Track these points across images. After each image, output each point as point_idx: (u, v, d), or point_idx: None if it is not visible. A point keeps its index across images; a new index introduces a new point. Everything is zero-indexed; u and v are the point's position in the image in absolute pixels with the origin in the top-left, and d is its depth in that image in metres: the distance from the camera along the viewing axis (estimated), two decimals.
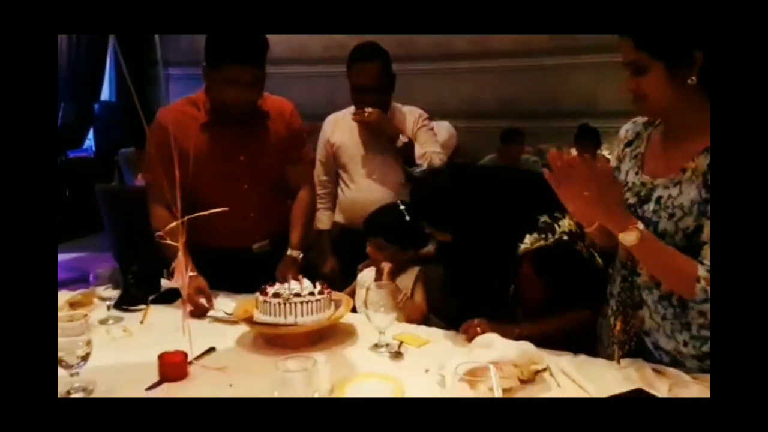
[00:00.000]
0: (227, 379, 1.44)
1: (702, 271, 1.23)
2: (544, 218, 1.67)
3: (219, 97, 1.94)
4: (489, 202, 1.72)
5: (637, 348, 1.41)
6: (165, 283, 2.11)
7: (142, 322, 1.83)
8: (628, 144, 1.50)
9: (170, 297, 2.04)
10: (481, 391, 1.27)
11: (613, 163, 1.54)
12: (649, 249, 1.29)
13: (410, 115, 2.54)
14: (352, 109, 2.53)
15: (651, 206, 1.34)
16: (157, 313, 1.91)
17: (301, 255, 2.00)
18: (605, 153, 4.90)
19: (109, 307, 1.82)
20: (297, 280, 1.68)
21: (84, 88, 6.82)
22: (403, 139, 2.41)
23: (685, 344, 1.35)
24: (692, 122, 1.30)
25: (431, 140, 2.54)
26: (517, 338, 1.49)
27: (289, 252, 2.00)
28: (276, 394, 1.17)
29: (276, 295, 1.60)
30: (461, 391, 1.30)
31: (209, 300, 1.87)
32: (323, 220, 2.60)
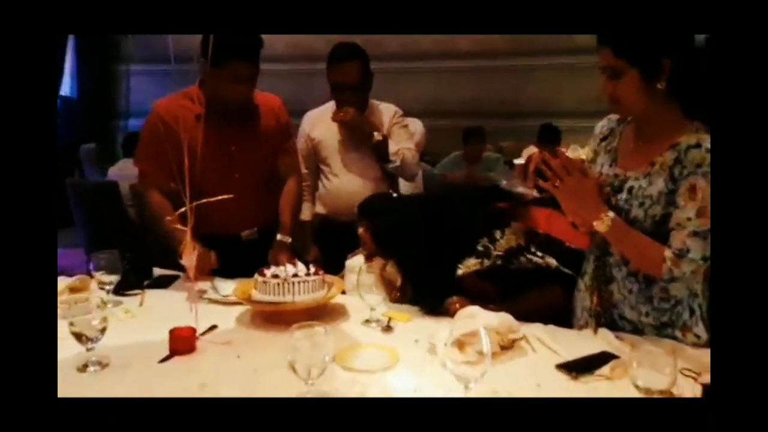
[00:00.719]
0: (233, 352, 1.56)
1: (668, 253, 1.43)
2: (483, 242, 1.84)
3: (218, 92, 2.05)
4: (427, 228, 1.88)
5: (604, 319, 1.61)
6: (156, 271, 2.22)
7: (141, 305, 1.93)
8: (603, 139, 1.68)
9: (164, 282, 2.14)
10: (469, 354, 1.44)
11: (590, 156, 1.73)
12: (620, 234, 1.49)
13: (386, 111, 2.69)
14: (330, 104, 2.67)
15: (623, 195, 1.53)
16: (152, 297, 2.01)
17: (290, 239, 2.13)
18: (568, 152, 5.13)
19: (108, 292, 1.91)
20: (292, 263, 1.81)
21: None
22: (377, 136, 2.55)
23: (647, 314, 1.55)
24: (661, 122, 1.49)
25: (405, 137, 2.69)
26: (492, 309, 1.65)
27: (279, 237, 2.14)
28: (289, 358, 1.31)
29: (275, 276, 1.72)
30: (451, 355, 1.46)
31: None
32: (304, 212, 2.71)
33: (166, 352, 1.56)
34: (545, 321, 1.70)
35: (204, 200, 1.61)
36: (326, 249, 2.60)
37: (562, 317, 1.76)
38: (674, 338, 1.52)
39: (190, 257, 1.61)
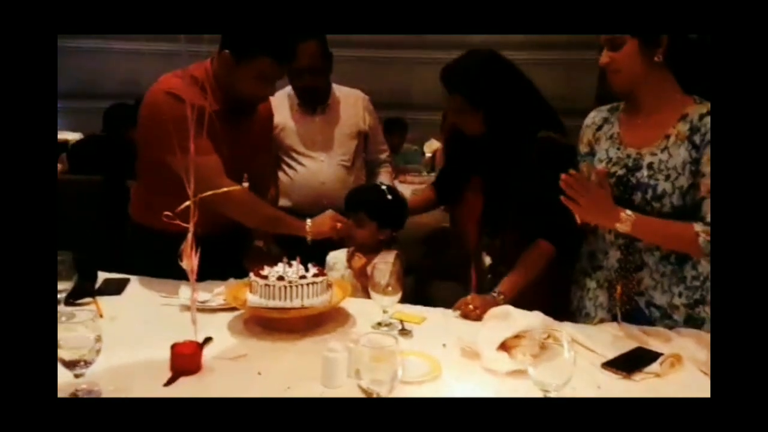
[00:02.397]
0: (247, 368, 1.37)
1: (699, 227, 1.44)
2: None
3: (236, 86, 1.82)
4: (522, 87, 1.83)
5: (626, 309, 1.62)
6: (101, 274, 1.91)
7: (101, 317, 1.63)
8: (599, 128, 1.69)
9: (116, 287, 1.85)
10: (518, 359, 1.37)
11: (584, 149, 1.72)
12: (644, 227, 1.49)
13: (356, 99, 2.56)
14: (287, 90, 2.46)
15: (644, 172, 1.54)
16: (108, 305, 1.72)
17: (265, 244, 1.97)
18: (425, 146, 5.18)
19: (59, 302, 1.60)
20: (289, 264, 1.62)
21: None
22: None
23: (680, 295, 1.57)
24: (662, 96, 1.54)
25: (382, 140, 2.67)
26: (501, 302, 1.66)
27: (255, 242, 1.95)
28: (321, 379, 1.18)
29: (280, 278, 1.53)
30: (500, 360, 1.39)
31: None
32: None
33: (165, 373, 1.33)
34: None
35: (210, 192, 1.38)
36: (292, 243, 2.41)
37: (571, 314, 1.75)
38: (704, 317, 1.56)
39: (191, 260, 1.38)
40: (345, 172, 2.48)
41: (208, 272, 1.82)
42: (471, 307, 1.69)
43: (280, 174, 2.52)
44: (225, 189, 1.55)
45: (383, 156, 2.68)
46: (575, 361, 1.17)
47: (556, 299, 1.79)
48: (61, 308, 1.60)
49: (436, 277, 2.27)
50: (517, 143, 1.79)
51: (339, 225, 1.91)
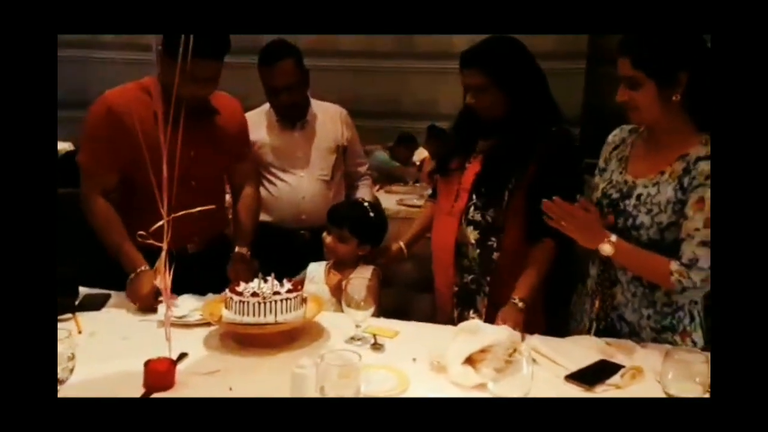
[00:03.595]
0: (220, 384, 1.40)
1: (675, 266, 1.49)
2: None
3: (179, 91, 1.82)
4: (542, 77, 1.86)
5: (604, 322, 1.67)
6: (83, 289, 1.94)
7: (80, 332, 1.67)
8: (615, 148, 1.73)
9: (96, 303, 1.88)
10: (483, 373, 1.41)
11: (601, 164, 1.76)
12: (625, 254, 1.55)
13: (334, 113, 2.60)
14: (266, 107, 2.51)
15: (632, 201, 1.58)
16: (88, 321, 1.75)
17: (248, 252, 1.96)
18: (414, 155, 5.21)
19: None
20: (264, 279, 1.66)
21: None
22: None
23: (648, 318, 1.62)
24: (672, 132, 1.55)
25: (362, 154, 2.71)
26: (521, 309, 1.71)
27: (237, 249, 1.95)
28: (290, 394, 1.21)
29: (254, 294, 1.57)
30: (466, 374, 1.42)
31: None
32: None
33: (139, 389, 1.36)
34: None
35: (182, 212, 1.42)
36: (274, 258, 2.44)
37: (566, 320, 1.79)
38: (672, 343, 1.58)
39: (164, 278, 1.42)
40: (325, 187, 2.51)
41: (197, 287, 1.87)
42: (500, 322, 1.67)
43: (262, 189, 2.56)
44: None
45: (362, 169, 2.72)
46: (533, 375, 1.22)
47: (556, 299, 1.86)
48: None
49: (420, 290, 2.30)
50: (531, 128, 1.82)
51: (136, 300, 1.84)
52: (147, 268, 1.82)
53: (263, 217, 2.49)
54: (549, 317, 1.87)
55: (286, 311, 1.58)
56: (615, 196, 1.63)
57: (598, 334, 1.68)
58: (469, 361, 1.44)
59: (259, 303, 1.56)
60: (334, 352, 1.21)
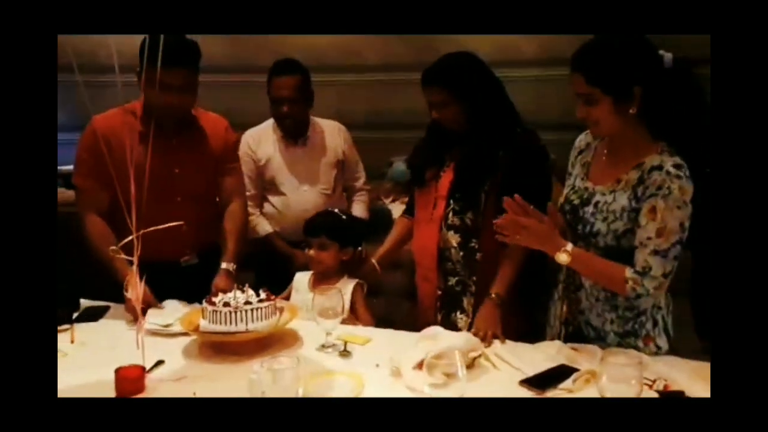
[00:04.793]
0: (186, 389, 1.48)
1: (629, 273, 1.50)
2: None
3: (152, 102, 1.95)
4: (498, 85, 1.94)
5: (572, 327, 1.68)
6: (84, 301, 2.07)
7: (72, 342, 1.78)
8: (580, 152, 1.75)
9: (93, 315, 2.00)
10: (436, 377, 1.44)
11: (569, 168, 1.79)
12: (581, 262, 1.57)
13: (333, 131, 2.73)
14: (270, 122, 2.65)
15: (590, 209, 1.60)
16: (83, 331, 1.87)
17: (234, 267, 2.05)
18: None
19: None
20: (240, 289, 1.74)
21: None
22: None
23: (612, 322, 1.63)
24: (630, 142, 1.57)
25: (360, 173, 2.81)
26: (498, 304, 1.78)
27: (224, 265, 2.02)
28: (253, 394, 1.26)
29: (226, 304, 1.65)
30: (419, 378, 1.46)
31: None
32: (265, 226, 2.68)
33: (112, 394, 1.45)
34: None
35: (152, 228, 1.51)
36: (271, 269, 2.54)
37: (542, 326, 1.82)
38: (635, 347, 1.58)
39: (136, 290, 1.51)
40: (327, 200, 2.64)
41: (190, 298, 1.97)
42: (481, 334, 1.71)
43: (267, 204, 2.70)
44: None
45: (359, 183, 2.83)
46: (492, 380, 1.31)
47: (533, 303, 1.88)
48: None
49: (408, 298, 2.35)
50: (496, 134, 1.89)
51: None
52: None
53: (275, 227, 2.63)
54: (526, 321, 1.88)
55: (257, 320, 1.66)
56: (576, 202, 1.65)
57: (567, 338, 1.69)
58: (426, 365, 1.48)
59: (231, 312, 1.64)
60: (276, 358, 1.27)
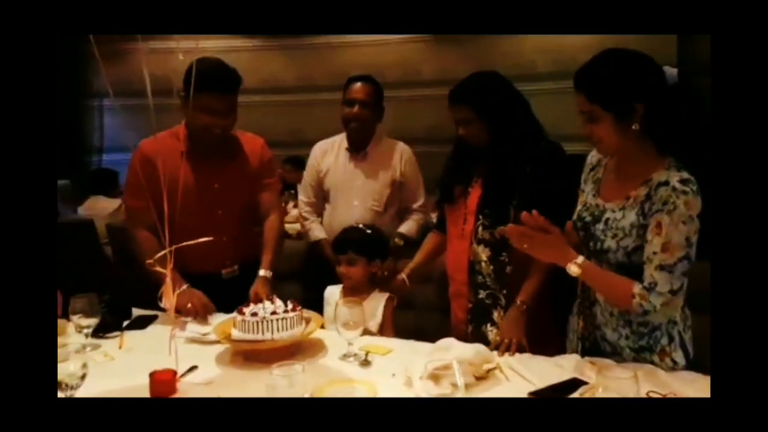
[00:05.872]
0: (214, 393, 1.59)
1: (637, 288, 1.50)
2: None
3: (194, 124, 2.13)
4: (522, 102, 2.01)
5: (588, 342, 1.69)
6: (135, 311, 2.23)
7: (120, 347, 1.94)
8: (592, 169, 1.77)
9: (143, 323, 2.16)
10: (444, 386, 1.49)
11: (582, 185, 1.81)
12: (591, 276, 1.58)
13: (398, 150, 2.84)
14: (340, 137, 2.81)
15: (600, 226, 1.61)
16: (132, 338, 2.02)
17: (271, 274, 2.18)
18: None
19: (87, 335, 1.92)
20: (270, 300, 1.84)
21: None
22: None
23: (626, 338, 1.62)
24: (637, 158, 1.57)
25: (419, 194, 2.86)
26: (523, 311, 1.82)
27: (261, 272, 2.16)
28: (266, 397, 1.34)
29: (254, 314, 1.76)
30: (427, 387, 1.51)
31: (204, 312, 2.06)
32: (319, 231, 2.83)
33: (148, 396, 1.58)
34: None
35: (184, 243, 1.64)
36: (320, 274, 2.65)
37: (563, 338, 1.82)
38: (651, 362, 1.58)
39: (170, 300, 1.64)
40: (376, 218, 2.74)
41: (232, 309, 2.10)
42: (506, 341, 1.76)
43: (324, 212, 2.87)
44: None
45: (415, 205, 2.88)
46: (502, 391, 1.37)
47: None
48: (88, 340, 1.93)
49: (439, 311, 2.39)
50: (520, 149, 1.94)
51: (189, 305, 2.05)
52: (187, 287, 2.07)
53: (322, 234, 2.77)
54: (553, 330, 1.89)
55: (283, 329, 1.75)
56: (588, 219, 1.66)
57: (585, 353, 1.69)
58: (431, 376, 1.52)
59: (258, 322, 1.75)
60: (284, 366, 1.35)
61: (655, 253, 1.47)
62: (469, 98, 1.96)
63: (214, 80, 2.08)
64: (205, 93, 2.05)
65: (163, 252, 1.63)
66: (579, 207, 1.72)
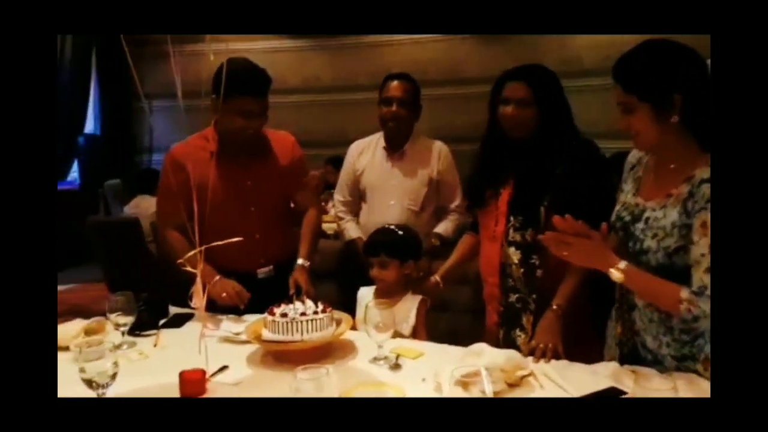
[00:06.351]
0: (243, 393, 1.58)
1: (685, 294, 1.41)
2: None
3: (227, 126, 2.15)
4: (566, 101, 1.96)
5: (627, 348, 1.62)
6: (172, 309, 2.26)
7: (155, 346, 1.96)
8: (632, 168, 1.70)
9: (179, 321, 2.18)
10: (473, 393, 1.44)
11: (622, 185, 1.73)
12: (635, 281, 1.50)
13: (435, 148, 2.80)
14: (377, 135, 2.80)
15: (640, 225, 1.54)
16: (168, 336, 2.04)
17: (308, 264, 2.20)
18: None
19: (123, 333, 1.95)
20: (302, 301, 1.83)
21: (68, 120, 6.93)
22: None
23: (668, 345, 1.54)
24: (677, 154, 1.50)
25: (458, 193, 2.78)
26: (559, 315, 1.76)
27: (300, 261, 2.19)
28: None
29: (284, 314, 1.75)
30: (456, 394, 1.47)
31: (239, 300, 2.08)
32: (351, 232, 2.82)
33: (178, 395, 1.58)
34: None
35: (214, 243, 1.64)
36: (357, 274, 2.64)
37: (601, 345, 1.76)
38: (695, 372, 1.50)
39: (200, 299, 1.65)
40: (413, 217, 2.71)
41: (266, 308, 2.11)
42: (541, 346, 1.70)
43: (360, 211, 2.85)
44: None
45: (453, 204, 2.82)
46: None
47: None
48: (124, 338, 1.96)
49: (476, 314, 2.34)
50: (555, 147, 1.89)
51: (224, 295, 2.07)
52: (219, 278, 2.11)
53: (359, 233, 2.76)
54: (591, 335, 1.82)
55: (313, 330, 1.74)
56: (627, 218, 1.59)
57: (623, 360, 1.62)
58: (460, 383, 1.48)
59: (288, 323, 1.74)
60: (309, 368, 1.33)
61: (703, 255, 1.39)
62: (530, 77, 1.92)
63: (246, 83, 2.10)
64: (238, 96, 2.07)
65: (193, 252, 1.63)
66: (618, 206, 1.64)
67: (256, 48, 6.44)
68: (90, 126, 7.44)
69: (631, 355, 1.61)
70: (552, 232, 1.52)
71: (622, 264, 1.48)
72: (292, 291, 2.06)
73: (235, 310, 2.14)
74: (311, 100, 6.62)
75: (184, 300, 2.28)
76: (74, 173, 7.33)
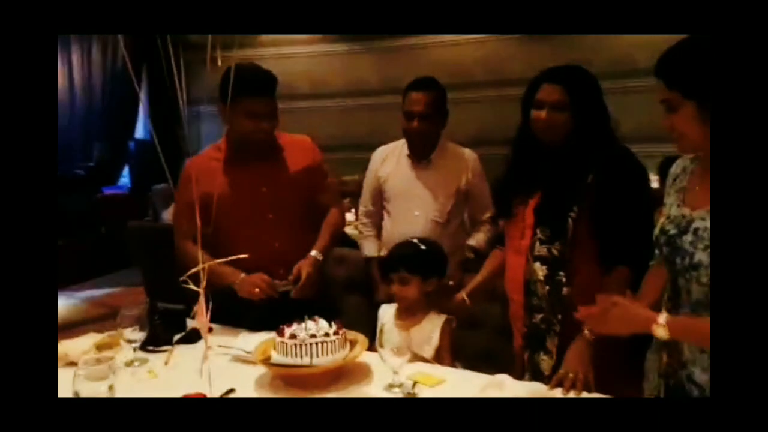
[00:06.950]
0: None
1: None
2: None
3: (237, 131, 2.09)
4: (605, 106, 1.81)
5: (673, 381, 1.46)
6: (190, 322, 2.19)
7: (166, 363, 1.88)
8: (675, 179, 1.54)
9: (195, 337, 2.10)
10: None
11: (664, 199, 1.58)
12: (682, 332, 1.36)
13: (464, 157, 2.63)
14: (402, 141, 2.63)
15: (689, 237, 1.38)
16: (181, 353, 1.96)
17: (321, 257, 2.10)
18: None
19: (135, 349, 1.89)
20: (314, 320, 1.72)
21: (118, 126, 7.07)
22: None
23: None
24: None
25: (489, 204, 2.53)
26: (590, 342, 1.62)
27: (312, 252, 2.09)
28: None
29: (292, 336, 1.64)
30: None
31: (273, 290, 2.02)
32: (370, 248, 2.69)
33: None
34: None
35: (218, 261, 1.56)
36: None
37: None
38: None
39: (202, 318, 1.55)
40: (438, 229, 2.53)
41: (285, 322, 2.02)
42: (570, 376, 1.57)
43: (383, 222, 2.70)
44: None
45: (484, 216, 2.64)
46: None
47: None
48: (136, 354, 1.90)
49: (504, 332, 2.18)
50: (588, 154, 1.75)
51: (257, 290, 1.97)
52: (244, 275, 2.03)
53: (375, 252, 2.64)
54: (626, 366, 1.65)
55: (323, 354, 1.63)
56: (672, 232, 1.42)
57: (668, 392, 1.44)
58: None
59: (296, 345, 1.63)
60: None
61: None
62: (567, 81, 1.77)
63: (251, 83, 2.03)
64: (245, 97, 2.01)
65: (194, 269, 1.54)
66: (662, 220, 1.47)
67: (300, 53, 6.44)
68: (141, 132, 7.59)
69: (676, 390, 1.43)
70: (585, 308, 1.41)
71: (662, 318, 1.34)
72: (293, 277, 2.01)
73: (254, 325, 2.05)
74: (356, 104, 6.56)
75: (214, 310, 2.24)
76: (125, 178, 7.49)
